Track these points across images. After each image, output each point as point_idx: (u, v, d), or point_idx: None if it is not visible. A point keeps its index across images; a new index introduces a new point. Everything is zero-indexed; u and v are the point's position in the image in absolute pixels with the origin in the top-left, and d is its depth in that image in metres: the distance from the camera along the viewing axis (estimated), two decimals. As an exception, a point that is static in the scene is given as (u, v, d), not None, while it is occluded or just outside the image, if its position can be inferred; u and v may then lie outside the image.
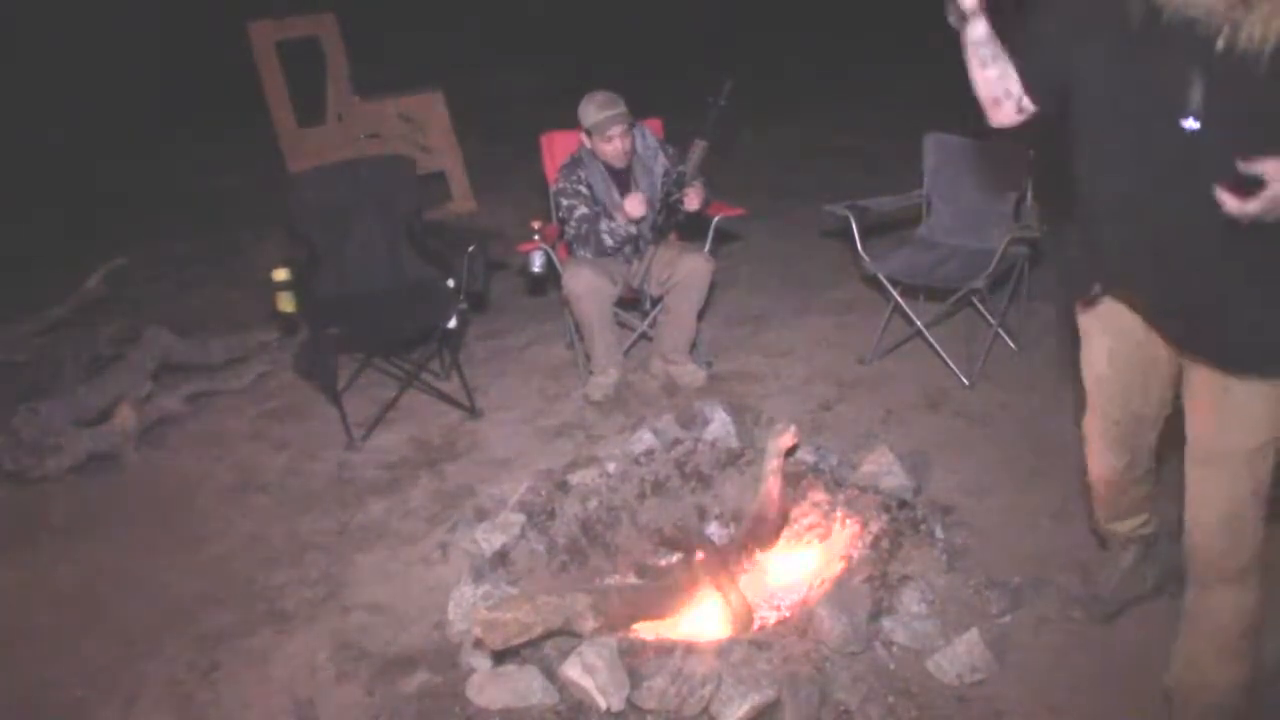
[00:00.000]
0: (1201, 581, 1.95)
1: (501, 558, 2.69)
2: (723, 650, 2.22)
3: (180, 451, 3.68)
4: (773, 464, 2.81)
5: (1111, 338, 1.99)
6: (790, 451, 2.93)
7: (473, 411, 3.75)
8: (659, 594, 2.46)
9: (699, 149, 3.60)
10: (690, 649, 2.24)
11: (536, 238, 3.71)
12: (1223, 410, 1.80)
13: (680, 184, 3.64)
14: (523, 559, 2.69)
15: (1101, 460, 2.16)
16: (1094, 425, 2.13)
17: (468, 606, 2.46)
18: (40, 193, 7.44)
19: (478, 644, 2.29)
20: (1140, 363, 1.97)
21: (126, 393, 3.75)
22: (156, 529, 3.10)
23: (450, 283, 3.70)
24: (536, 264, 3.73)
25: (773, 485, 2.77)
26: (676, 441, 3.12)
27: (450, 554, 2.82)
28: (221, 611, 2.74)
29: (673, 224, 3.81)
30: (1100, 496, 2.26)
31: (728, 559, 2.51)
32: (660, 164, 3.78)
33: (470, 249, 3.65)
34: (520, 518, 2.83)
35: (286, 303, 3.46)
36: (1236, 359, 1.75)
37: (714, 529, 2.89)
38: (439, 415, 3.78)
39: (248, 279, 5.20)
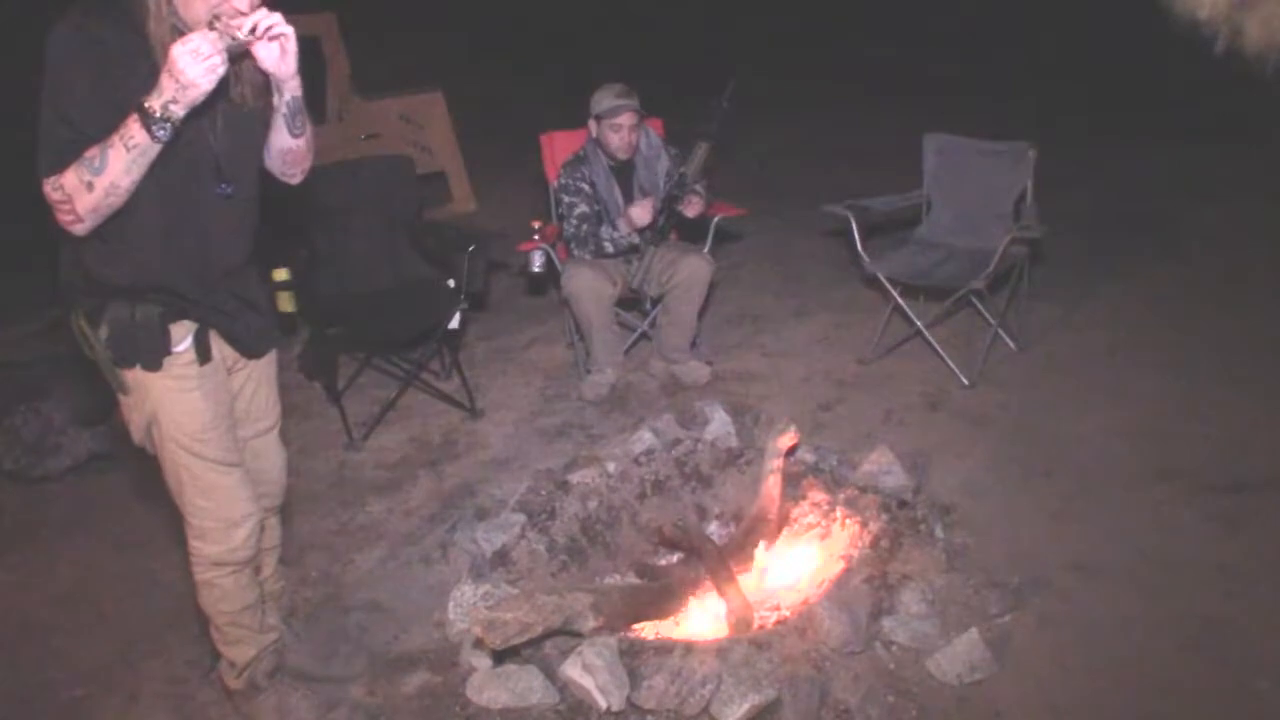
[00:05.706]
0: None
1: (501, 557, 2.69)
2: (723, 650, 2.22)
3: (180, 451, 3.67)
4: (773, 464, 2.81)
5: None
6: (790, 451, 2.94)
7: (473, 411, 3.75)
8: (659, 594, 2.47)
9: (702, 150, 3.61)
10: (690, 649, 2.24)
11: (536, 237, 3.72)
12: None
13: (683, 185, 3.65)
14: (523, 559, 2.69)
15: None
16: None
17: (468, 606, 2.46)
18: (40, 192, 7.42)
19: (478, 644, 2.29)
20: None
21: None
22: (157, 529, 3.10)
23: (450, 283, 3.70)
24: (536, 264, 3.74)
25: (773, 485, 2.77)
26: (676, 441, 3.12)
27: (450, 554, 2.82)
28: (222, 611, 2.73)
29: (672, 225, 3.81)
30: None
31: (728, 559, 2.51)
32: (663, 164, 3.79)
33: (470, 249, 3.65)
34: (520, 517, 2.83)
35: (286, 303, 3.46)
36: None
37: (714, 529, 2.89)
38: (439, 415, 3.78)
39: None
